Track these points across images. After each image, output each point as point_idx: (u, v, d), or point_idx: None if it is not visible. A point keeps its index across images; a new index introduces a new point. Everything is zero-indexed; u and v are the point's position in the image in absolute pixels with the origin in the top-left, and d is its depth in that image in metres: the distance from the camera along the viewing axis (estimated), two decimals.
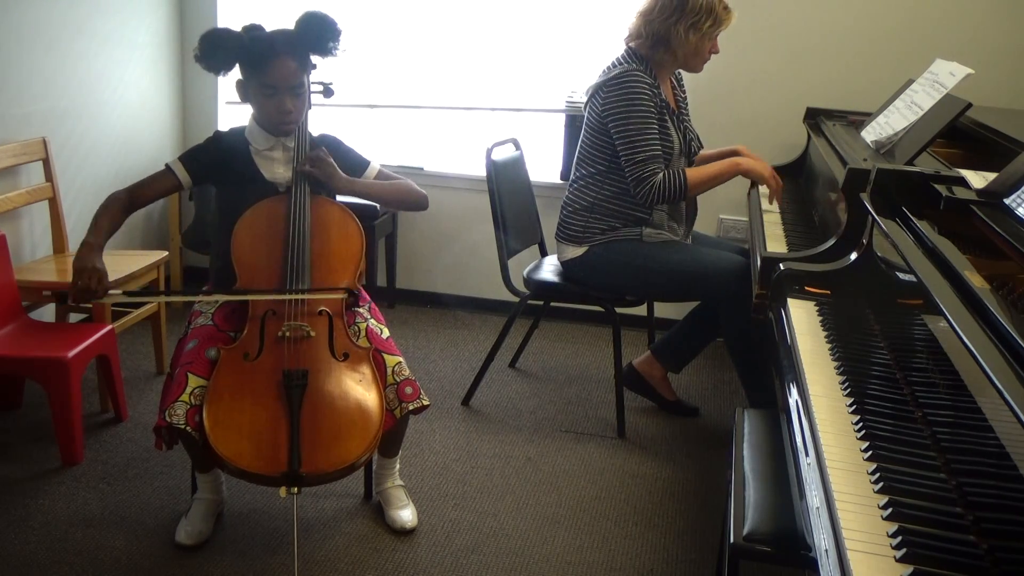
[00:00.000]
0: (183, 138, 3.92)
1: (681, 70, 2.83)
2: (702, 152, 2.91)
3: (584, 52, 3.60)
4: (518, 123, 3.76)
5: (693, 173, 2.66)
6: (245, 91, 2.16)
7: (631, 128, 2.60)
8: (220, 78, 2.17)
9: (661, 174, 2.62)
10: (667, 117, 2.66)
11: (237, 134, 2.22)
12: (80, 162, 3.30)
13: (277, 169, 2.20)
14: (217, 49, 2.09)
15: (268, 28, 2.15)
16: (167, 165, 2.18)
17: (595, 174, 2.74)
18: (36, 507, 2.28)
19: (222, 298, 2.16)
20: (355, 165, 2.30)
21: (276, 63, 2.08)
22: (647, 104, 2.60)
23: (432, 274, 3.96)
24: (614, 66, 2.69)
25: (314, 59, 2.23)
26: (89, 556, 2.10)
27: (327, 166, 2.18)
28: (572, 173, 2.84)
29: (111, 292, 2.03)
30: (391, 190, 2.31)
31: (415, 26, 3.81)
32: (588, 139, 2.75)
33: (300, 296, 2.09)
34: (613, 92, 2.62)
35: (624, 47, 2.73)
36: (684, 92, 2.88)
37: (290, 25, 2.14)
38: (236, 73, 2.15)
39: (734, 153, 2.90)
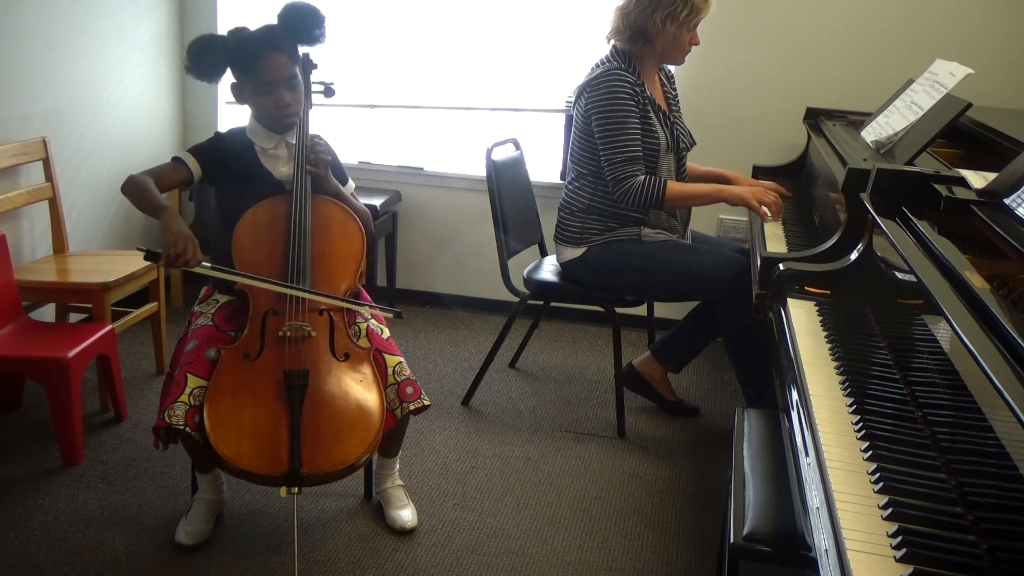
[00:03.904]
0: (183, 138, 3.92)
1: (668, 66, 2.83)
2: (692, 166, 2.91)
3: (584, 52, 3.59)
4: (518, 123, 3.76)
5: (674, 187, 2.64)
6: (241, 93, 2.17)
7: (611, 128, 2.60)
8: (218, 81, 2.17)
9: (641, 177, 2.61)
10: (652, 114, 2.66)
11: (239, 134, 2.22)
12: (80, 162, 3.30)
13: (283, 167, 2.21)
14: (204, 57, 2.09)
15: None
16: (176, 157, 2.16)
17: (587, 175, 2.74)
18: (36, 507, 2.28)
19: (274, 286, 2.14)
20: (337, 177, 2.30)
21: (266, 59, 2.09)
22: (628, 103, 2.60)
23: (432, 274, 3.96)
24: (598, 66, 2.70)
25: (314, 55, 2.24)
26: (89, 556, 2.10)
27: (325, 166, 2.20)
28: (567, 175, 2.85)
29: (203, 264, 2.01)
30: (357, 209, 2.29)
31: (415, 26, 3.81)
32: (578, 140, 2.76)
33: (308, 296, 2.09)
34: (595, 91, 2.62)
35: (608, 47, 2.73)
36: (675, 90, 2.88)
37: (274, 21, 2.15)
38: (230, 76, 2.16)
39: (723, 179, 2.91)
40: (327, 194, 2.23)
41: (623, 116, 2.60)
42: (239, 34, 2.12)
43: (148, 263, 2.90)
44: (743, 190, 2.70)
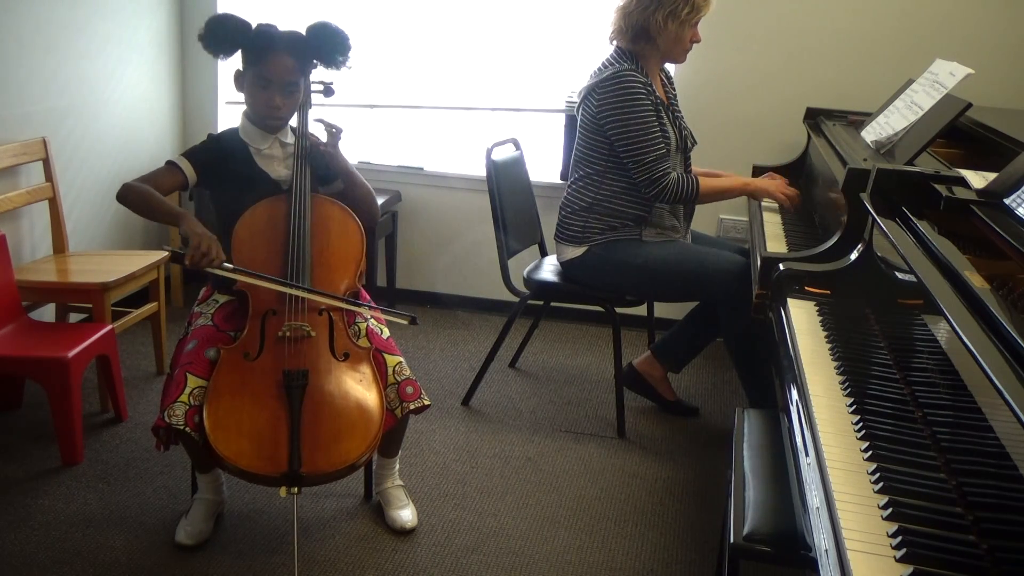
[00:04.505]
0: (183, 138, 3.92)
1: (667, 65, 2.84)
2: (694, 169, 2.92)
3: (584, 52, 3.59)
4: (518, 123, 3.76)
5: (705, 183, 2.68)
6: (242, 80, 2.17)
7: (633, 129, 2.60)
8: (220, 78, 2.18)
9: (673, 174, 2.62)
10: (663, 113, 2.66)
11: (232, 135, 2.21)
12: (80, 162, 3.30)
13: (279, 168, 2.21)
14: (222, 32, 2.10)
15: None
16: (171, 161, 2.16)
17: (593, 175, 2.74)
18: (36, 507, 2.28)
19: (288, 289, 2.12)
20: None
21: (275, 57, 2.10)
22: (645, 102, 2.60)
23: (432, 274, 3.96)
24: (605, 67, 2.69)
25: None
26: (89, 556, 2.10)
27: (335, 137, 2.20)
28: (570, 174, 2.85)
29: (224, 264, 2.02)
30: (365, 187, 2.29)
31: (415, 26, 3.81)
32: (584, 141, 2.75)
33: (311, 296, 2.09)
34: (608, 93, 2.62)
35: (612, 47, 2.73)
36: (674, 89, 2.88)
37: (300, 28, 2.15)
38: (237, 64, 2.16)
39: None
40: (339, 171, 2.23)
41: (643, 116, 2.60)
42: (264, 26, 2.13)
43: (149, 264, 2.94)
44: (768, 183, 2.78)
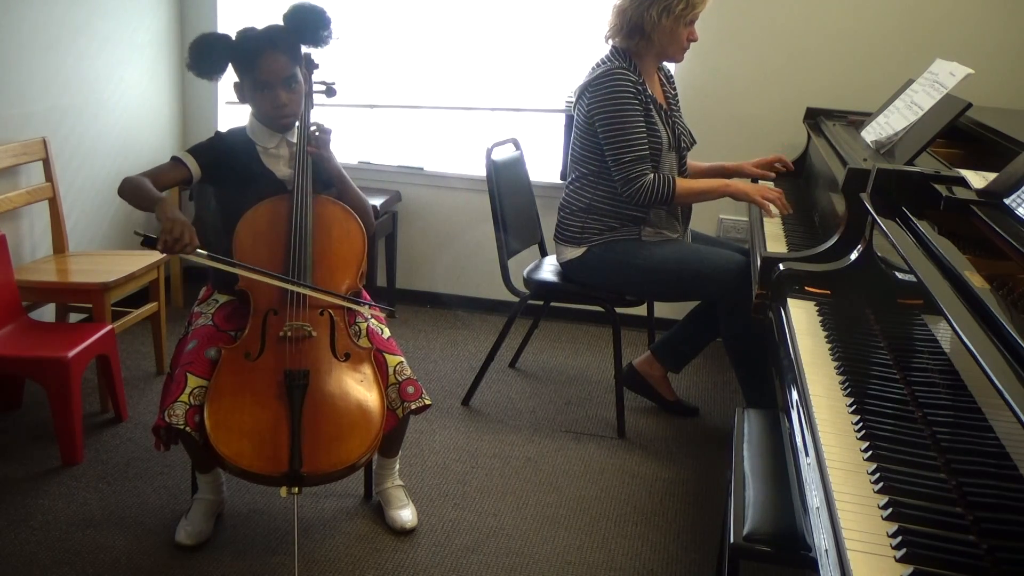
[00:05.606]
0: (183, 138, 3.92)
1: (667, 64, 2.84)
2: (693, 163, 2.91)
3: (584, 52, 3.59)
4: (518, 123, 3.76)
5: (683, 184, 2.66)
6: (241, 91, 2.17)
7: (617, 128, 2.60)
8: (220, 78, 2.17)
9: (651, 175, 2.62)
10: (654, 113, 2.66)
11: (239, 134, 2.21)
12: (80, 162, 3.30)
13: (284, 167, 2.21)
14: (205, 54, 2.10)
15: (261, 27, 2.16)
16: (175, 156, 2.15)
17: (589, 175, 2.74)
18: (36, 507, 2.28)
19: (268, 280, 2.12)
20: None
21: (265, 58, 2.09)
22: (632, 102, 2.60)
23: (432, 274, 3.96)
24: (599, 65, 2.69)
25: (315, 56, 2.24)
26: (89, 556, 2.10)
27: (325, 144, 2.20)
28: (568, 175, 2.85)
29: (198, 251, 1.99)
30: (358, 196, 2.29)
31: (415, 26, 3.81)
32: (579, 140, 2.75)
33: (309, 292, 2.09)
34: (598, 91, 2.62)
35: (608, 47, 2.73)
36: (674, 89, 2.88)
37: (280, 21, 2.15)
38: (233, 75, 2.16)
39: (725, 171, 2.94)
40: (332, 176, 2.23)
41: (628, 115, 2.60)
42: (244, 33, 2.13)
43: (149, 264, 2.93)
44: (748, 186, 2.72)
